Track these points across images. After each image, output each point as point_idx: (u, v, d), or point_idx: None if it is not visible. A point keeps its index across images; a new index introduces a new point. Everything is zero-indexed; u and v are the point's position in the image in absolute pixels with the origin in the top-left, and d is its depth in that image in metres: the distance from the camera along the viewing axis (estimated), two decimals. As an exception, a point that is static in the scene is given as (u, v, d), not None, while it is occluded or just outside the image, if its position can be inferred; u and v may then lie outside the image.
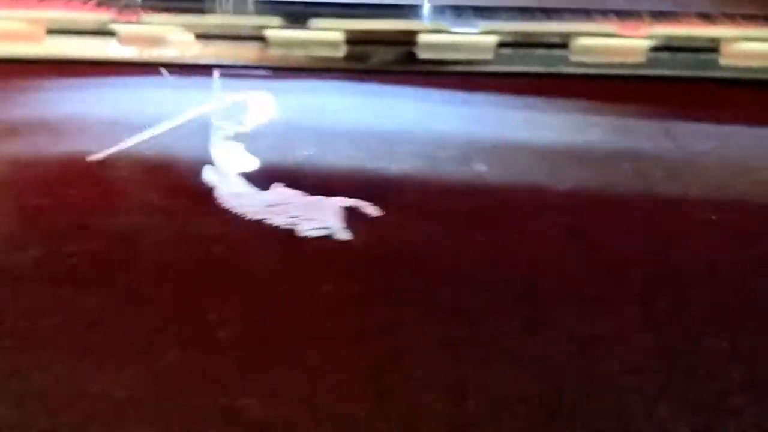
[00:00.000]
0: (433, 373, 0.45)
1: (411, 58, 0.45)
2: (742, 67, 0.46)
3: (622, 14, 0.47)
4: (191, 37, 0.45)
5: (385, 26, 0.44)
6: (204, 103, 0.48)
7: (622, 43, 0.45)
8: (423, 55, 0.45)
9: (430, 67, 0.46)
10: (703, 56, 0.46)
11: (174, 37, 0.45)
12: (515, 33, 0.45)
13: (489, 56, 0.45)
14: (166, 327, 0.45)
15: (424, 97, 0.48)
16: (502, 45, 0.45)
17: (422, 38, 0.45)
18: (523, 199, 0.46)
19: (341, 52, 0.45)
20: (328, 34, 0.45)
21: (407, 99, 0.47)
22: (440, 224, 0.46)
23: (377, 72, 0.47)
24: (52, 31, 0.45)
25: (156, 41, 0.45)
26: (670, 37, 0.46)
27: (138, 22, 0.45)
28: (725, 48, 0.46)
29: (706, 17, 0.48)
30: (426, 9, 0.48)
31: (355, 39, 0.45)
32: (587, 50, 0.45)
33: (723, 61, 0.46)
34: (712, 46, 0.46)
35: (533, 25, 0.45)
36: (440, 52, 0.45)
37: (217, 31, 0.45)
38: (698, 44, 0.46)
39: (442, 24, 0.45)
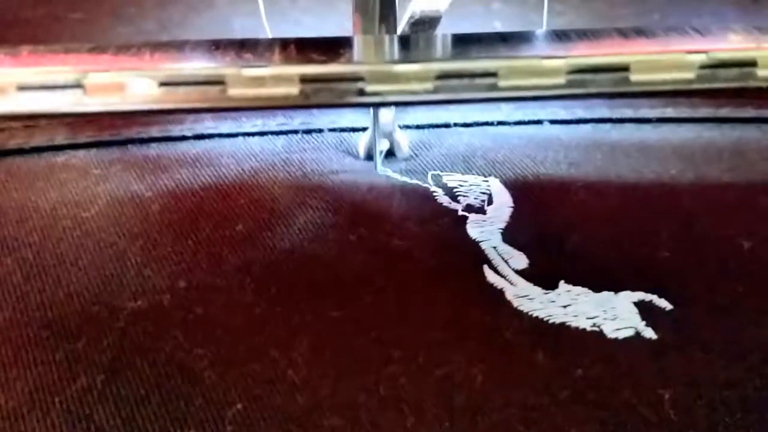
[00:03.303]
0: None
1: (361, 92, 0.46)
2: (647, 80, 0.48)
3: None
4: (154, 84, 0.45)
5: (335, 68, 0.46)
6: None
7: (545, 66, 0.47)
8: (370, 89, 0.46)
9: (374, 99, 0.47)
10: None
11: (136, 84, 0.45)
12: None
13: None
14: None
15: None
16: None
17: (368, 74, 0.46)
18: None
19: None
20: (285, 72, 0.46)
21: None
22: None
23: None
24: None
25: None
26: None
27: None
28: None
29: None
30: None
31: (309, 78, 0.46)
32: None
33: None
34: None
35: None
36: (385, 84, 0.46)
37: (179, 79, 0.46)
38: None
39: (386, 61, 0.46)
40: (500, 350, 0.45)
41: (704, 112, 0.62)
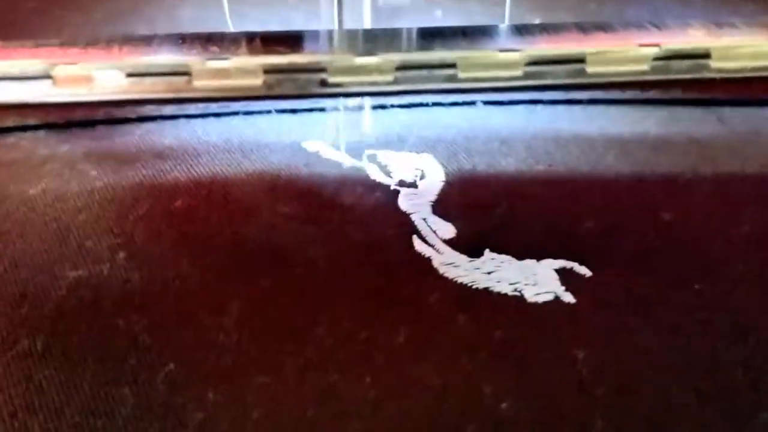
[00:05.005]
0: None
1: (323, 83, 0.48)
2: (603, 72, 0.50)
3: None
4: (122, 75, 0.47)
5: (298, 58, 0.48)
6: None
7: (502, 58, 0.49)
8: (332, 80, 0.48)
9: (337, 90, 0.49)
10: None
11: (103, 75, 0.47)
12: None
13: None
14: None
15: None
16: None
17: (330, 65, 0.48)
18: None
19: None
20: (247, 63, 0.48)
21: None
22: None
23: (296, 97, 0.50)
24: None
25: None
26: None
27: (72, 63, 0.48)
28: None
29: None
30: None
31: (272, 69, 0.48)
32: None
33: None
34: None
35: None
36: (347, 76, 0.48)
37: (145, 69, 0.47)
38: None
39: (348, 53, 0.49)
40: (423, 314, 0.47)
41: (631, 93, 0.65)
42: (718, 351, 0.46)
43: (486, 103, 0.64)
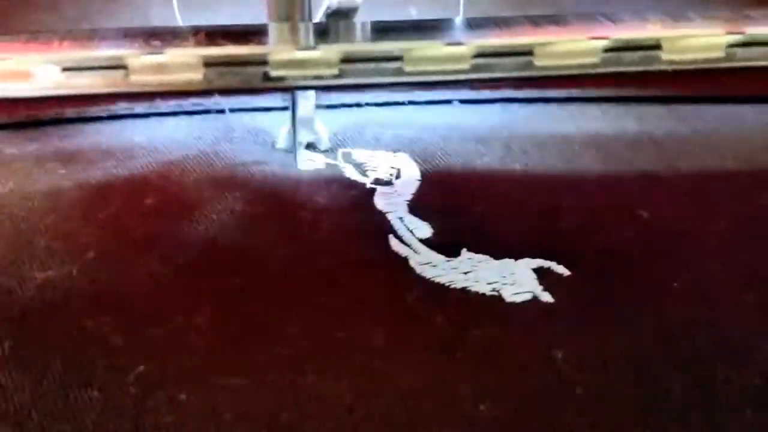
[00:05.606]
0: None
1: (266, 77, 0.47)
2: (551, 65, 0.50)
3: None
4: (58, 70, 0.46)
5: (238, 51, 0.47)
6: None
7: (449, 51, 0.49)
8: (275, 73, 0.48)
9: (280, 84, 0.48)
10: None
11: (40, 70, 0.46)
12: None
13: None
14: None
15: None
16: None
17: (272, 58, 0.47)
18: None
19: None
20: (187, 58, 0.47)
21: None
22: None
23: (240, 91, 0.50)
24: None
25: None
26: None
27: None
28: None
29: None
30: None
31: (212, 62, 0.47)
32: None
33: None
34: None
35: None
36: (290, 69, 0.48)
37: (82, 64, 0.46)
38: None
39: (287, 47, 0.48)
40: (401, 314, 0.47)
41: (609, 92, 0.65)
42: (696, 348, 0.46)
43: (462, 101, 0.63)
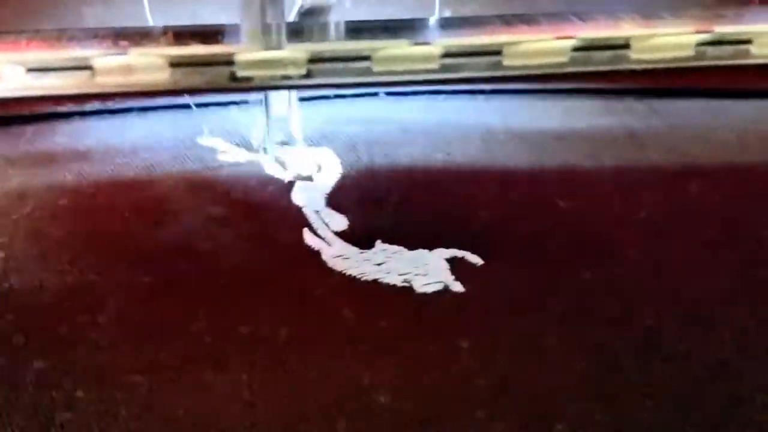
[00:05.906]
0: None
1: (233, 77, 0.48)
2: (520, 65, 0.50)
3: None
4: (23, 71, 0.46)
5: (204, 51, 0.47)
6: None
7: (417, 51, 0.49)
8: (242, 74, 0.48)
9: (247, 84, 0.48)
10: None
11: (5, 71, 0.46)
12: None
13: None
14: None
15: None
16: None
17: (239, 58, 0.47)
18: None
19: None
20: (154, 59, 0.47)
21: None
22: None
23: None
24: None
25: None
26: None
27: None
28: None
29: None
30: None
31: (178, 63, 0.47)
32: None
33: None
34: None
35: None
36: (257, 69, 0.48)
37: (46, 65, 0.47)
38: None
39: (254, 46, 0.48)
40: (308, 308, 0.47)
41: (535, 85, 0.65)
42: (604, 338, 0.46)
43: (389, 94, 0.63)
